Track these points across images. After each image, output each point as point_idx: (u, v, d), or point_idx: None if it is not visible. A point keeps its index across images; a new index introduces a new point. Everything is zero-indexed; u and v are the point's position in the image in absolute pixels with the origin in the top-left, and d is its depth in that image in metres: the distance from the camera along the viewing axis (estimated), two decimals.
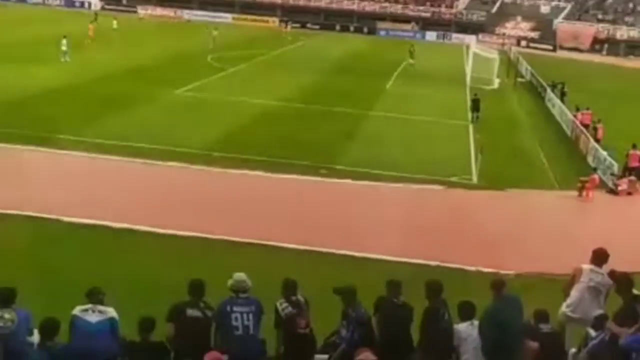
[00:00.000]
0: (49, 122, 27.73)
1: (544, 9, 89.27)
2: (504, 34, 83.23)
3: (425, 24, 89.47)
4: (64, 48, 44.03)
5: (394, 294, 9.37)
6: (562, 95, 42.50)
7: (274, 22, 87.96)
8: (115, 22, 61.75)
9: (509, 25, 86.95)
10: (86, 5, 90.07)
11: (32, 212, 18.05)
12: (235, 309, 8.78)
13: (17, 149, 23.90)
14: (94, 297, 8.87)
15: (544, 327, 9.33)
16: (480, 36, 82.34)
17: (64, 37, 44.59)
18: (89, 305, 8.76)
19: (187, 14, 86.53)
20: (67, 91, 35.04)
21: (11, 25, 60.90)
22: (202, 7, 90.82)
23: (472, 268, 16.71)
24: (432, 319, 9.05)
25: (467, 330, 8.91)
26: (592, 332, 9.35)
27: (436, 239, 18.93)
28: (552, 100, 41.85)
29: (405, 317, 9.25)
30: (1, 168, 22.18)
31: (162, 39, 61.03)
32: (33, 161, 23.33)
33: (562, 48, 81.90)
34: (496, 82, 48.82)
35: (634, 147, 27.49)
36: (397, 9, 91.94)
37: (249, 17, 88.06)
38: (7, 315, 8.15)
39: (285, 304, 9.18)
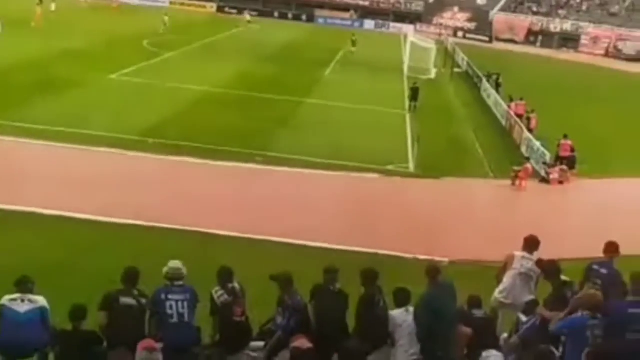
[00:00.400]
0: None
1: (481, 1, 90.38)
2: (441, 24, 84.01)
3: (364, 13, 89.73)
4: None
5: (330, 281, 9.37)
6: (497, 86, 43.25)
7: (211, 7, 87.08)
8: (53, 4, 60.22)
9: (446, 15, 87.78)
10: None
11: None
12: (170, 296, 8.70)
13: None
14: (24, 286, 8.67)
15: (477, 313, 9.50)
16: (418, 26, 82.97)
17: None
18: (18, 295, 8.56)
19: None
20: None
21: None
22: None
23: (408, 255, 16.88)
24: (367, 305, 9.08)
25: (402, 316, 8.97)
26: (523, 318, 9.58)
27: (373, 227, 19.06)
28: (488, 90, 42.54)
29: (341, 304, 9.26)
30: None
31: (99, 24, 59.60)
32: None
33: (498, 40, 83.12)
34: (433, 72, 49.34)
35: (565, 137, 28.25)
36: None
37: (187, 2, 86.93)
38: None
39: (221, 292, 9.12)
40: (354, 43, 59.42)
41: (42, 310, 8.52)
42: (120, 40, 50.41)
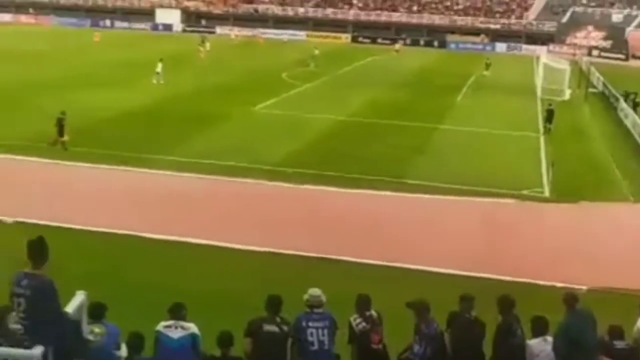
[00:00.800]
0: (134, 142, 28.77)
1: (616, 18, 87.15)
2: (574, 44, 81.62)
3: (495, 36, 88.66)
4: (158, 70, 45.55)
5: (466, 309, 9.41)
6: (635, 106, 41.30)
7: (346, 38, 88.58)
8: (208, 44, 63.59)
9: (579, 35, 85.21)
10: (172, 28, 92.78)
11: (118, 229, 18.78)
12: (310, 324, 8.90)
13: (103, 169, 24.95)
14: (176, 313, 9.12)
15: (619, 344, 9.21)
16: (550, 46, 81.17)
17: (160, 59, 46.34)
18: (172, 322, 9.03)
19: (262, 33, 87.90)
20: (150, 112, 36.27)
21: (103, 49, 63.48)
22: (276, 26, 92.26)
23: (545, 282, 16.55)
24: (504, 334, 9.06)
25: (539, 346, 8.88)
26: None
27: (508, 253, 18.81)
28: (625, 110, 40.85)
29: (478, 333, 9.26)
30: (91, 189, 23.07)
31: (244, 59, 62.23)
32: (118, 180, 24.16)
33: (634, 57, 79.74)
34: (567, 93, 47.96)
35: None
36: (467, 21, 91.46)
37: (322, 34, 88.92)
38: (97, 330, 8.53)
39: (359, 320, 9.31)
40: (487, 66, 59.14)
41: (193, 336, 8.92)
42: (262, 73, 52.33)
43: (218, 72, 51.85)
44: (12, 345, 7.10)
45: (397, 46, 78.34)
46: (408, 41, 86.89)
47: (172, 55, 55.79)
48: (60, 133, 26.93)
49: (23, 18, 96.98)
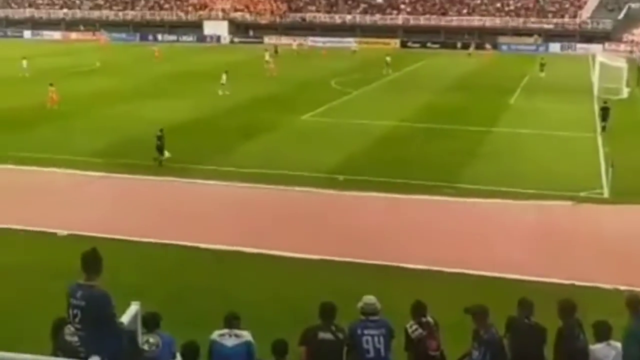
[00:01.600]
0: (186, 152, 29.04)
1: None
2: (632, 41, 79.86)
3: (549, 36, 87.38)
4: (223, 81, 46.28)
5: (525, 313, 9.21)
6: None
7: (395, 43, 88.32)
8: (267, 53, 64.24)
9: (637, 31, 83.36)
10: (220, 39, 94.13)
11: (170, 240, 18.98)
12: (366, 331, 8.80)
13: (155, 181, 25.27)
14: (231, 321, 9.20)
15: None
16: (606, 45, 79.59)
17: (225, 71, 47.31)
18: (226, 330, 9.11)
19: (311, 41, 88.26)
20: (209, 122, 36.68)
21: (163, 62, 65.82)
22: (323, 34, 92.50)
23: (608, 286, 16.13)
24: (566, 339, 8.82)
25: (603, 351, 8.62)
26: None
27: (568, 257, 18.41)
28: None
29: (538, 338, 9.06)
30: (141, 201, 23.37)
31: (301, 68, 62.54)
32: (174, 191, 24.44)
33: None
34: (625, 92, 46.89)
35: None
36: (519, 22, 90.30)
37: (371, 40, 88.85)
38: (152, 340, 8.60)
39: (415, 326, 9.19)
40: (542, 67, 58.01)
41: (247, 344, 9.00)
42: (312, 82, 52.54)
43: (275, 82, 52.19)
44: (68, 356, 7.17)
45: (471, 50, 77.91)
46: (459, 45, 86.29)
47: (235, 66, 56.47)
48: (160, 150, 27.17)
49: (73, 35, 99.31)
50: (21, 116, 37.20)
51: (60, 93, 40.90)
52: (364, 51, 78.54)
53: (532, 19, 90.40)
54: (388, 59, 60.91)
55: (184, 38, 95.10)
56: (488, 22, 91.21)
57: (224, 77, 46.78)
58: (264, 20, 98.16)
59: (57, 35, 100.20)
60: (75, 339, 7.18)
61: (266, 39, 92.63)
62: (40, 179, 25.43)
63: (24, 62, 54.57)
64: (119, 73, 57.98)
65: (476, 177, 26.12)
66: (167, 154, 27.23)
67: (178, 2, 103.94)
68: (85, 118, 37.57)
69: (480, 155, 30.05)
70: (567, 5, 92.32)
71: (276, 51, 70.86)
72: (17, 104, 40.77)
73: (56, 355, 7.41)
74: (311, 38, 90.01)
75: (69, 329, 7.27)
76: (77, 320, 7.04)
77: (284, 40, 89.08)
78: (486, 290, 15.15)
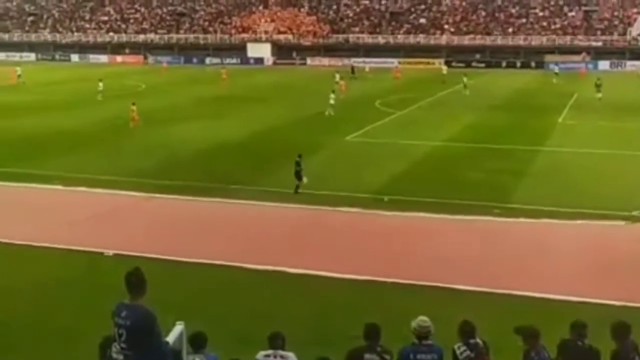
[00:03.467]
0: (232, 173, 29.35)
1: None
2: None
3: (597, 53, 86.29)
4: (332, 102, 46.86)
5: (579, 336, 8.94)
6: None
7: (439, 63, 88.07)
8: (337, 75, 64.50)
9: None
10: (264, 61, 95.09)
11: (214, 260, 18.98)
12: (418, 356, 8.54)
13: (199, 201, 25.36)
14: (275, 341, 9.13)
15: None
16: None
17: (333, 91, 48.61)
18: (271, 351, 9.02)
19: (354, 62, 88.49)
20: (241, 144, 36.85)
21: (233, 84, 67.01)
22: (367, 54, 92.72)
23: None
24: None
25: None
26: None
27: (620, 278, 17.92)
28: None
29: None
30: (185, 221, 23.50)
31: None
32: (212, 213, 24.49)
33: None
34: None
35: None
36: (566, 40, 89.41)
37: (414, 60, 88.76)
38: (197, 359, 8.57)
39: (463, 348, 8.95)
40: (598, 88, 54.48)
41: None
42: (356, 102, 52.50)
43: (311, 102, 52.33)
44: None
45: (556, 69, 73.93)
46: (504, 64, 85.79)
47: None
48: (298, 176, 26.27)
49: (119, 58, 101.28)
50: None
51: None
52: (407, 71, 78.35)
53: (580, 37, 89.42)
54: (465, 79, 60.53)
55: (228, 60, 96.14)
56: (534, 40, 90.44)
57: (332, 96, 47.07)
58: (307, 42, 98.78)
59: (103, 58, 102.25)
60: (122, 357, 7.15)
61: (309, 61, 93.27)
62: (88, 200, 25.76)
63: (100, 84, 55.98)
64: (178, 93, 58.88)
65: (525, 197, 25.69)
66: (305, 179, 26.29)
67: (222, 26, 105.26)
68: (130, 139, 38.07)
69: (529, 175, 29.60)
70: (616, 23, 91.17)
71: (353, 72, 71.30)
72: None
73: None
74: (353, 59, 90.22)
75: (116, 347, 7.25)
76: (122, 339, 7.03)
77: (326, 61, 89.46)
78: (536, 312, 14.81)
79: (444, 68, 60.44)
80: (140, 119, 41.60)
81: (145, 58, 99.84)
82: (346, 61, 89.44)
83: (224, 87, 66.84)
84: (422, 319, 8.79)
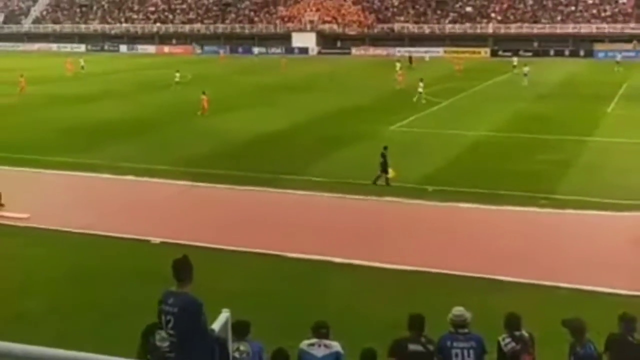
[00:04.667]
0: (278, 162, 29.60)
1: None
2: None
3: None
4: (420, 90, 47.61)
5: (628, 330, 8.77)
6: None
7: (485, 52, 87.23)
8: (398, 64, 64.66)
9: None
10: (308, 51, 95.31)
11: (260, 249, 19.13)
12: (455, 344, 8.62)
13: (246, 190, 25.49)
14: (320, 331, 9.13)
15: None
16: None
17: (421, 79, 48.84)
18: (315, 340, 9.05)
19: (398, 52, 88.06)
20: (286, 133, 37.00)
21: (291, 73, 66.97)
22: (412, 44, 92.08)
23: None
24: None
25: None
26: None
27: None
28: None
29: None
30: (232, 210, 23.68)
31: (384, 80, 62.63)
32: (258, 202, 24.64)
33: None
34: None
35: None
36: (616, 28, 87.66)
37: (460, 49, 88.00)
38: (242, 348, 8.63)
39: (508, 339, 8.90)
40: None
41: (337, 355, 8.91)
42: (400, 93, 52.24)
43: (352, 93, 52.18)
44: None
45: (618, 57, 72.98)
46: (552, 52, 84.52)
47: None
48: (384, 169, 25.87)
49: (166, 48, 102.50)
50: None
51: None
52: (453, 61, 77.64)
53: (631, 25, 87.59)
54: (526, 68, 59.29)
55: (273, 50, 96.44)
56: (583, 28, 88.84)
57: (420, 84, 47.80)
58: (351, 31, 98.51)
59: (151, 48, 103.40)
60: (165, 344, 7.23)
61: (354, 50, 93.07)
62: (137, 189, 26.15)
63: (177, 75, 57.21)
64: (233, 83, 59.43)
65: (573, 187, 25.34)
66: (391, 172, 25.91)
67: (267, 15, 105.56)
68: (178, 128, 38.52)
69: (576, 166, 29.16)
70: None
71: (411, 61, 71.13)
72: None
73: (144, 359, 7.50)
74: (398, 48, 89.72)
75: (160, 334, 7.33)
76: (169, 326, 7.11)
77: (371, 51, 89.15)
78: (584, 304, 14.63)
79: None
80: (208, 107, 42.46)
81: (201, 47, 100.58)
82: (391, 51, 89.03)
83: (283, 75, 67.10)
84: (457, 309, 8.86)
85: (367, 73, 68.76)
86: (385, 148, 26.40)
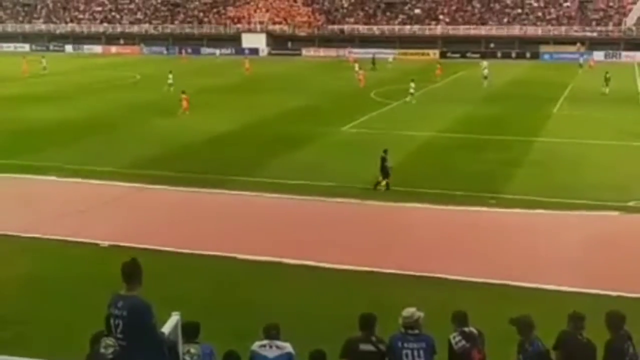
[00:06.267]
0: (226, 164, 29.44)
1: None
2: None
3: (592, 44, 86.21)
4: (411, 90, 47.63)
5: (577, 328, 8.85)
6: None
7: (434, 54, 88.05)
8: (356, 65, 65.10)
9: None
10: (259, 52, 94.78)
11: (210, 251, 19.00)
12: (406, 345, 8.57)
13: (195, 192, 25.31)
14: (271, 332, 9.12)
15: None
16: None
17: (412, 80, 49.18)
18: (266, 341, 9.02)
19: (348, 53, 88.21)
20: (238, 134, 36.79)
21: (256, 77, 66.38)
22: (362, 45, 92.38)
23: None
24: (615, 354, 8.56)
25: None
26: None
27: (615, 268, 17.98)
28: None
29: (590, 357, 8.70)
30: (180, 210, 23.49)
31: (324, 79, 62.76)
32: (208, 204, 24.49)
33: None
34: None
35: None
36: (561, 31, 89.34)
37: (410, 51, 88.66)
38: (192, 350, 8.56)
39: (458, 338, 8.94)
40: (607, 82, 52.18)
41: (289, 356, 8.90)
42: (351, 94, 52.41)
43: (301, 93, 52.16)
44: None
45: (581, 60, 73.36)
46: (499, 54, 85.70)
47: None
48: (385, 173, 25.44)
49: (113, 49, 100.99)
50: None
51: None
52: (402, 62, 78.20)
53: (575, 27, 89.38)
54: (486, 71, 58.96)
55: (222, 51, 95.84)
56: (529, 31, 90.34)
57: (412, 85, 48.37)
58: (302, 32, 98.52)
59: (97, 49, 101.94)
60: (110, 351, 7.13)
61: (304, 51, 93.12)
62: (84, 191, 25.74)
63: (170, 76, 54.81)
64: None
65: (520, 187, 25.77)
66: (379, 177, 25.56)
67: (217, 16, 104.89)
68: (127, 130, 38.03)
69: (523, 166, 29.65)
70: (611, 13, 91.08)
71: (373, 63, 72.00)
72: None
73: None
74: (348, 49, 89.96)
75: (104, 341, 7.23)
76: (118, 330, 7.03)
77: (322, 52, 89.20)
78: (531, 302, 14.85)
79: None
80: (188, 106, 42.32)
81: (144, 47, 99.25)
82: (341, 52, 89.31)
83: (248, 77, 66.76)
84: (408, 310, 8.79)
85: (319, 73, 68.79)
86: (385, 152, 26.19)
